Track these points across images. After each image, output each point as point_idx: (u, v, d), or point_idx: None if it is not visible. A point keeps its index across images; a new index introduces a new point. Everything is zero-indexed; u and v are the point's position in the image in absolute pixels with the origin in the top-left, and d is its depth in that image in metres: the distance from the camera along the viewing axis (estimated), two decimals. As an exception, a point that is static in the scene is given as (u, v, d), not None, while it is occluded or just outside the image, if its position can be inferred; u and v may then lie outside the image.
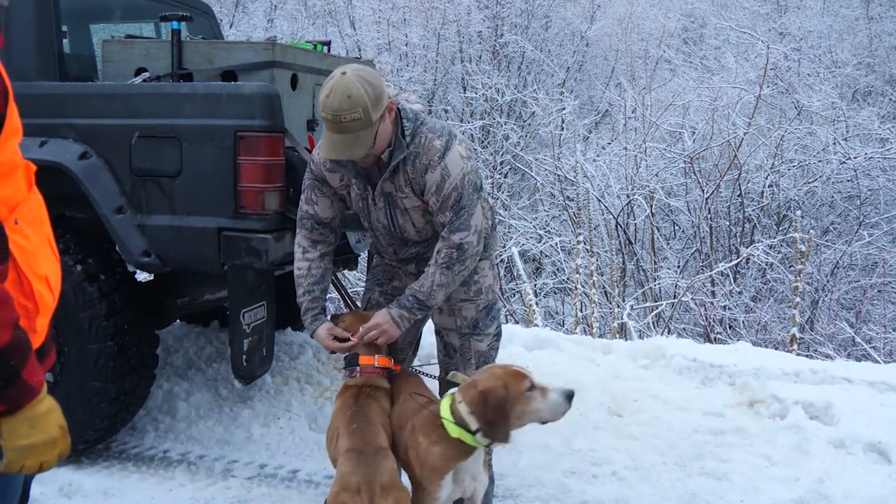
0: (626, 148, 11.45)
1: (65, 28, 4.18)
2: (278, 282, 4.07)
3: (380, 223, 3.12)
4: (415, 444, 2.66)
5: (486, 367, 2.72)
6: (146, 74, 3.83)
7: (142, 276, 4.52)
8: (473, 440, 2.56)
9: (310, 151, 3.41)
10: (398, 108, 2.92)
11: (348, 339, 3.06)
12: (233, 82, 3.77)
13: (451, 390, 2.70)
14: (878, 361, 7.20)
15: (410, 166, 2.93)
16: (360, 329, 3.03)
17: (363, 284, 3.51)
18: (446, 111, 15.83)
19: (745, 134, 10.29)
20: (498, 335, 3.38)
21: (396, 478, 2.61)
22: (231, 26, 16.75)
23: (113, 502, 3.60)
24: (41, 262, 1.79)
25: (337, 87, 2.71)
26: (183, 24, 3.86)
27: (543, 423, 2.63)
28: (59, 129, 3.71)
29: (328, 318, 3.19)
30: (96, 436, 3.92)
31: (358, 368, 2.99)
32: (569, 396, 2.59)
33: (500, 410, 2.50)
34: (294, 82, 4.00)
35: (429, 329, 3.54)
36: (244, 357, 3.71)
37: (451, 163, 2.90)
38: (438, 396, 2.96)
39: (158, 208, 3.66)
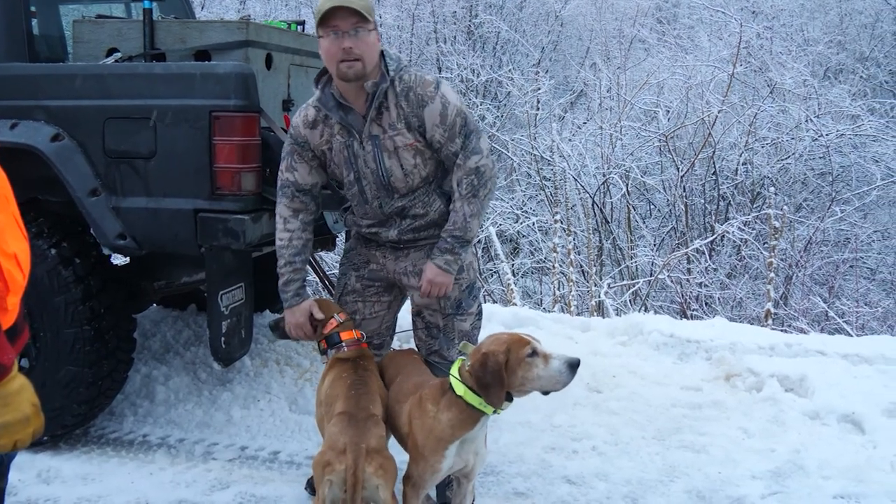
0: (601, 127, 11.46)
1: (34, 9, 4.10)
2: (256, 263, 4.05)
3: (367, 168, 3.08)
4: (422, 413, 2.65)
5: (494, 334, 2.67)
6: (118, 55, 3.78)
7: (118, 260, 4.48)
8: (480, 403, 2.54)
9: (285, 131, 3.38)
10: (382, 50, 2.99)
11: (317, 325, 3.14)
12: (207, 62, 3.73)
13: (462, 356, 2.69)
14: (850, 335, 7.30)
15: (404, 100, 2.97)
16: (423, 287, 3.10)
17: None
18: (421, 92, 15.69)
19: (718, 112, 10.32)
20: (479, 314, 3.38)
21: (384, 444, 2.66)
22: (203, 8, 16.51)
23: (92, 487, 3.58)
24: (9, 241, 1.77)
25: None
26: (154, 3, 3.82)
27: (546, 392, 2.59)
28: (31, 112, 3.65)
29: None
30: (74, 421, 3.90)
31: (344, 345, 3.04)
32: (572, 365, 2.52)
33: (497, 374, 2.48)
34: (269, 62, 3.97)
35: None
36: (223, 339, 3.69)
37: (447, 92, 2.99)
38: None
39: (133, 190, 3.62)
